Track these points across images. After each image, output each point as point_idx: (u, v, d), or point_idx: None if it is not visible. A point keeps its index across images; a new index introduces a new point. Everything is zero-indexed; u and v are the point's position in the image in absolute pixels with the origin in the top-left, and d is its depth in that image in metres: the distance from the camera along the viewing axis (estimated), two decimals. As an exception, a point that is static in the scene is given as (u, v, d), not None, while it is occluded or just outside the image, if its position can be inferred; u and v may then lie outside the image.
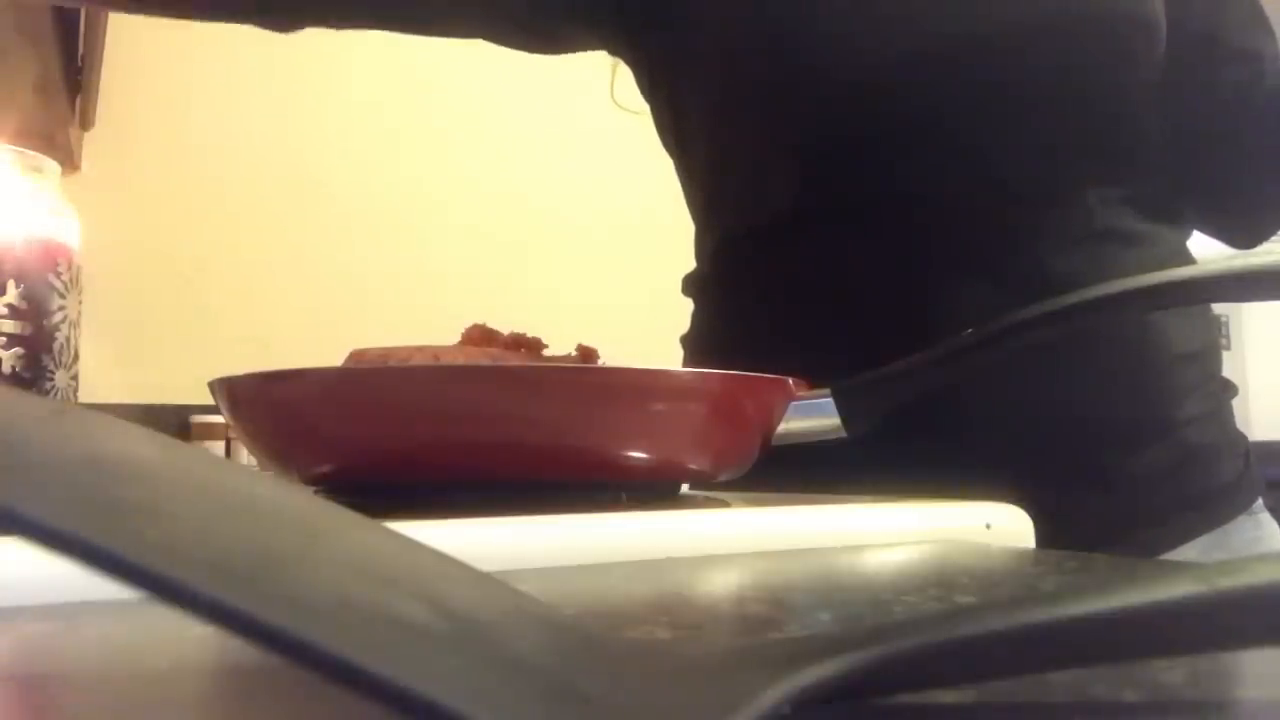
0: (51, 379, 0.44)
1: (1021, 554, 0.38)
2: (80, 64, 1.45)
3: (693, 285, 0.74)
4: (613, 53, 0.76)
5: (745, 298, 0.69)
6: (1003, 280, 0.60)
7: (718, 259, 0.71)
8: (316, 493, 0.40)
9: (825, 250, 0.65)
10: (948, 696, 0.16)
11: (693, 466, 0.43)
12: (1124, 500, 0.62)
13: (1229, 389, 0.69)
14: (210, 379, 0.43)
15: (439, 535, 0.26)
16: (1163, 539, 0.62)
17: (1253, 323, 2.91)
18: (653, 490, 0.43)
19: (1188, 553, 0.61)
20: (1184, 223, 0.70)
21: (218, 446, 1.71)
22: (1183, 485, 0.63)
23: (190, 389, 0.81)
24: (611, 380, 0.40)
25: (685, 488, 0.47)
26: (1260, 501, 0.67)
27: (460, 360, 0.45)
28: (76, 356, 0.46)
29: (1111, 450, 0.62)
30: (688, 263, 0.75)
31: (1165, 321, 0.63)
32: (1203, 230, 0.74)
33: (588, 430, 0.39)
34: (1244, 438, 0.69)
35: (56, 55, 1.21)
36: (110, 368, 1.62)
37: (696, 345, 0.73)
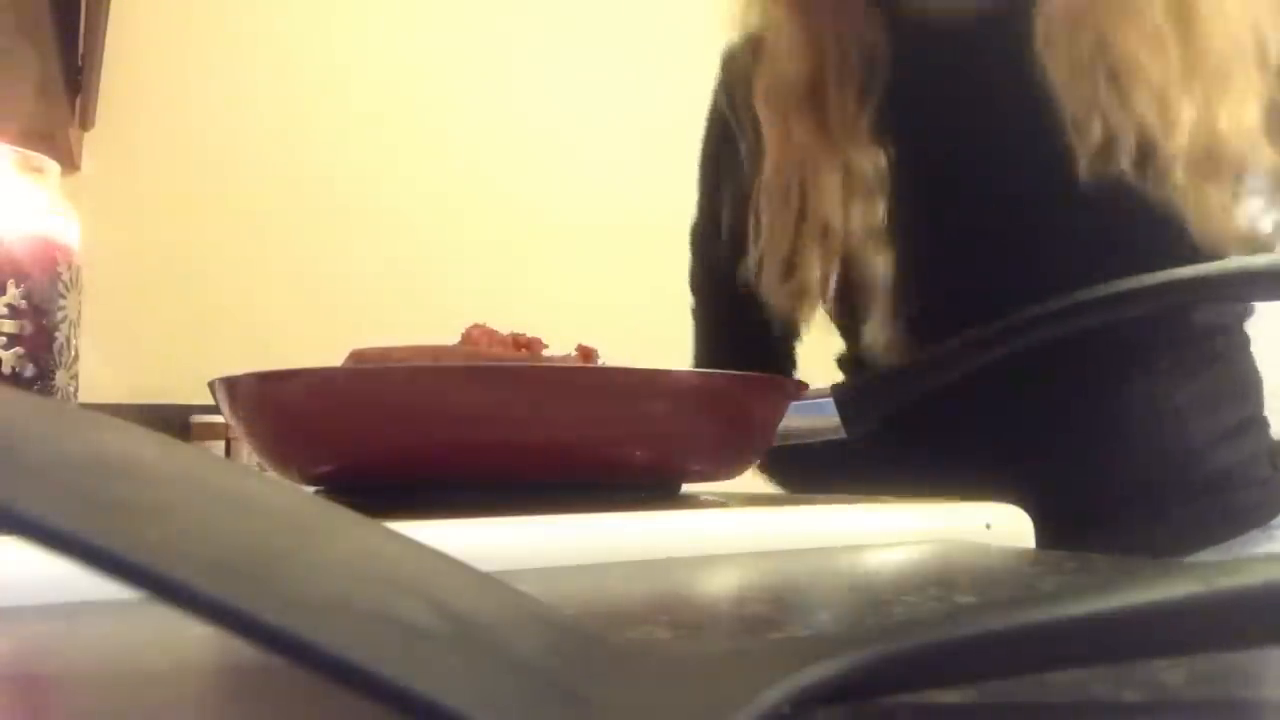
0: (51, 379, 0.44)
1: (1021, 554, 0.38)
2: (80, 64, 1.45)
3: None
4: None
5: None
6: None
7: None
8: (316, 493, 0.40)
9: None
10: (948, 696, 0.16)
11: (693, 466, 0.43)
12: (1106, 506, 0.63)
13: (1260, 434, 0.69)
14: (210, 379, 0.43)
15: (439, 535, 0.26)
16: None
17: (1252, 322, 2.91)
18: (653, 490, 0.43)
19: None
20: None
21: (218, 446, 1.71)
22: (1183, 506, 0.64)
23: (190, 389, 0.81)
24: (611, 380, 0.40)
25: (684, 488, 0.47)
26: None
27: (460, 360, 0.45)
28: (76, 356, 0.46)
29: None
30: (687, 262, 0.76)
31: (1190, 413, 0.64)
32: None
33: (587, 430, 0.39)
34: (1267, 464, 0.67)
35: (56, 55, 1.21)
36: (110, 368, 1.61)
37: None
